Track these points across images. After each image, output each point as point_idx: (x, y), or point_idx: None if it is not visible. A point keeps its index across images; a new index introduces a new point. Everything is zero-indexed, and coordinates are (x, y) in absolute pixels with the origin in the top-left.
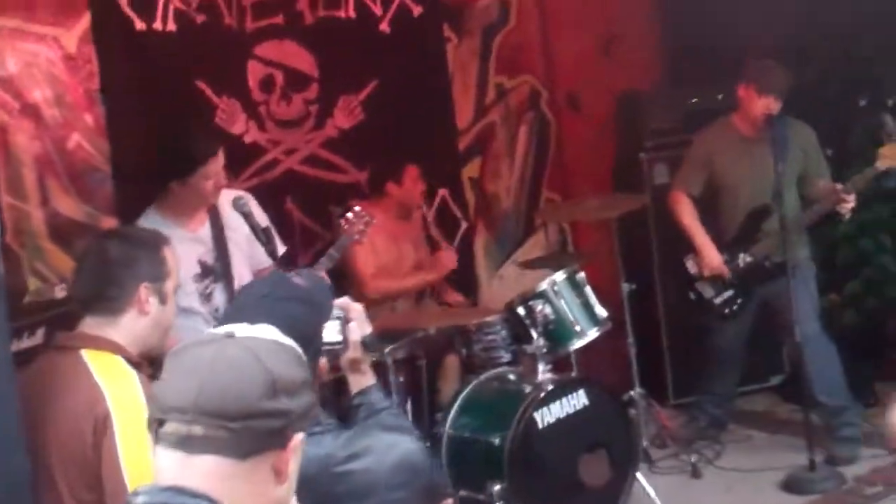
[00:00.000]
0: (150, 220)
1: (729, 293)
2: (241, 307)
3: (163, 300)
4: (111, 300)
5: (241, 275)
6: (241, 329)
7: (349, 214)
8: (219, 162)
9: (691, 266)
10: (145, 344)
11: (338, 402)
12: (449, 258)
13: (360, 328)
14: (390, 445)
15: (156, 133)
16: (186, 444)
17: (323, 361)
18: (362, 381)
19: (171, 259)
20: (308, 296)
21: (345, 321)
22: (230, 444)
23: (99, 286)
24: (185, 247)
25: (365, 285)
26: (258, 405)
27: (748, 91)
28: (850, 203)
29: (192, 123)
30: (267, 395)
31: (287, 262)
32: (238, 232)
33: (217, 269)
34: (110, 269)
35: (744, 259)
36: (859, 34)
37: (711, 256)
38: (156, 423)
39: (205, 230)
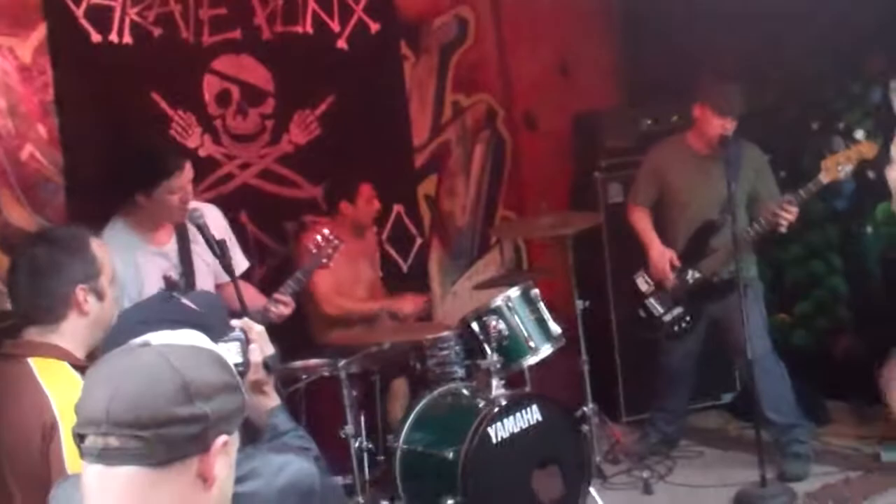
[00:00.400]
0: (117, 230)
1: (678, 310)
2: (117, 334)
3: (100, 297)
4: (49, 309)
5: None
6: (160, 336)
7: (318, 238)
8: (185, 176)
9: (641, 283)
10: (91, 343)
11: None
12: (415, 303)
13: (262, 349)
14: (280, 467)
15: (110, 145)
16: (104, 456)
17: None
18: (266, 402)
19: (100, 253)
20: (197, 319)
21: (245, 342)
22: (145, 454)
23: (34, 298)
24: (150, 261)
25: (324, 303)
26: (170, 411)
27: (704, 111)
28: (789, 215)
29: (155, 137)
30: (180, 401)
31: (247, 277)
32: (204, 247)
33: (181, 284)
34: (42, 280)
35: (692, 275)
36: (814, 57)
37: (658, 257)
38: (77, 438)
39: (171, 245)
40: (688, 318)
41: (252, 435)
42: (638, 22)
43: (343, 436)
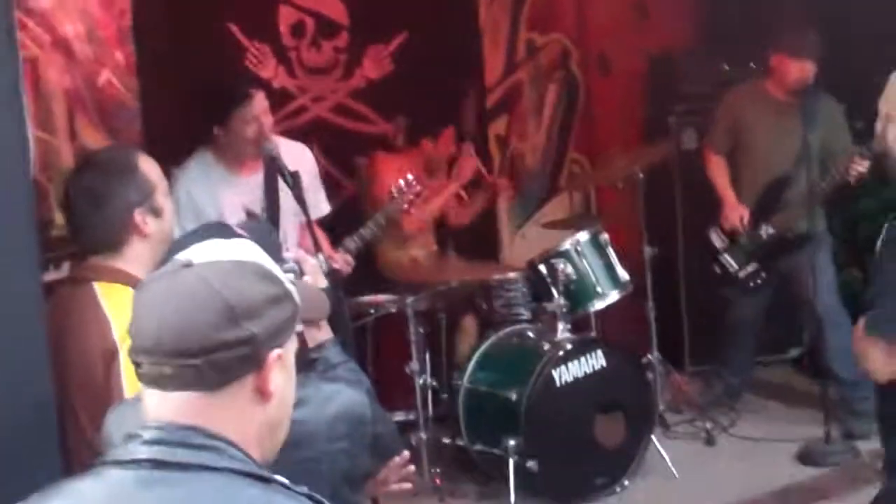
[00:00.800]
0: (201, 161)
1: (753, 266)
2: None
3: (158, 214)
4: (109, 238)
5: (287, 229)
6: (203, 251)
7: (401, 182)
8: (256, 106)
9: (715, 239)
10: (156, 261)
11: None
12: (469, 163)
13: (315, 282)
14: (330, 396)
15: (186, 73)
16: (160, 383)
17: None
18: (318, 335)
19: (150, 169)
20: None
21: (299, 275)
22: (199, 379)
23: (92, 228)
24: (231, 191)
25: (404, 222)
26: (217, 337)
27: (780, 58)
28: (861, 167)
29: (225, 66)
30: (226, 325)
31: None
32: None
33: (262, 219)
34: (98, 209)
35: (766, 231)
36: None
37: (732, 212)
38: (135, 364)
39: (256, 177)
40: (763, 274)
41: (304, 365)
42: None
43: (408, 372)
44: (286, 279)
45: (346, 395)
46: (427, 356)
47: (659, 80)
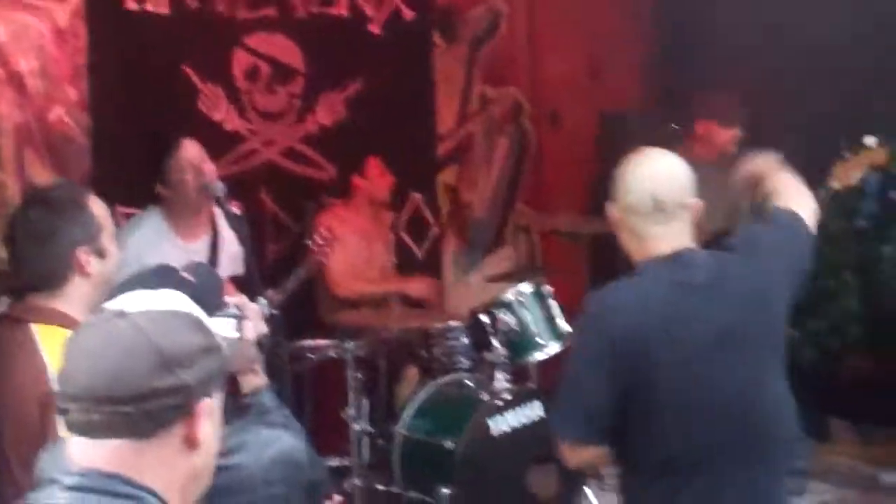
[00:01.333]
0: (151, 223)
1: None
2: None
3: (102, 256)
4: (51, 274)
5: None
6: (135, 301)
7: (316, 236)
8: (187, 152)
9: None
10: (97, 303)
11: (230, 401)
12: (426, 286)
13: (256, 327)
14: (268, 441)
15: (138, 112)
16: (87, 430)
17: None
18: (254, 381)
19: (97, 210)
20: (189, 288)
21: (240, 319)
22: (129, 427)
23: (35, 264)
24: (175, 256)
25: (336, 285)
26: (149, 385)
27: (708, 126)
28: None
29: (177, 107)
30: (159, 373)
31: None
32: (231, 247)
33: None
34: (41, 245)
35: None
36: (847, 71)
37: None
38: (61, 411)
39: (202, 244)
40: None
41: (238, 411)
42: (670, 25)
43: (345, 417)
44: (215, 330)
45: (285, 440)
46: (365, 402)
47: (609, 137)
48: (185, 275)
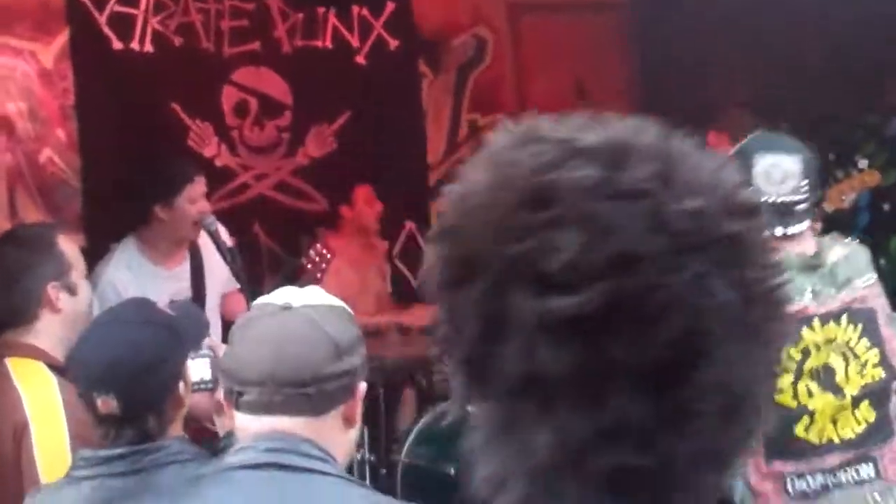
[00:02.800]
0: (125, 252)
1: None
2: (89, 334)
3: (73, 292)
4: (22, 310)
5: (211, 316)
6: (296, 296)
7: (311, 253)
8: (202, 185)
9: None
10: (69, 339)
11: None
12: (423, 316)
13: None
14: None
15: (127, 152)
16: (268, 408)
17: (182, 387)
18: (228, 423)
19: (69, 249)
20: (169, 322)
21: (215, 359)
22: (308, 406)
23: (5, 301)
24: (158, 284)
25: None
26: (327, 369)
27: (719, 137)
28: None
29: (167, 146)
30: (333, 359)
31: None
32: (218, 267)
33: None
34: (11, 281)
35: None
36: (831, 87)
37: None
38: (236, 395)
39: (182, 268)
40: None
41: (214, 454)
42: (655, 46)
43: None
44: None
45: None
46: (365, 431)
47: None
48: (161, 308)
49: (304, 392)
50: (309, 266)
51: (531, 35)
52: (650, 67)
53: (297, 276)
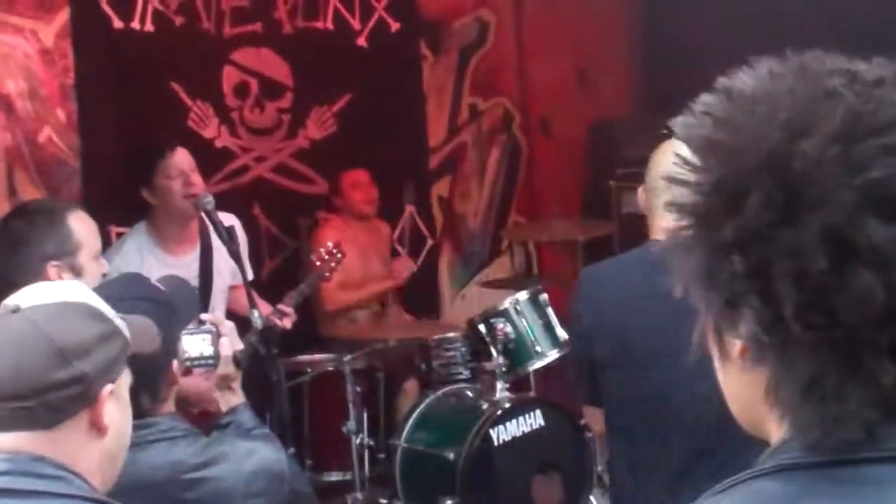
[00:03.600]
0: (136, 238)
1: None
2: None
3: (78, 273)
4: (16, 284)
5: (216, 307)
6: (30, 296)
7: (321, 250)
8: (178, 158)
9: None
10: None
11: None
12: (405, 265)
13: (232, 344)
14: (248, 452)
15: (127, 132)
16: None
17: (176, 364)
18: (232, 399)
19: (80, 227)
20: (160, 297)
21: (216, 335)
22: (33, 420)
23: (6, 272)
24: (163, 272)
25: (326, 300)
26: (48, 378)
27: None
28: None
29: (167, 126)
30: (56, 366)
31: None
32: (227, 259)
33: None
34: (13, 254)
35: None
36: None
37: None
38: None
39: (191, 257)
40: None
41: (217, 430)
42: (658, 31)
43: (345, 431)
44: (114, 314)
45: (263, 451)
46: (364, 415)
47: (600, 144)
48: (155, 283)
49: (23, 406)
50: (318, 263)
51: (534, 19)
52: (653, 57)
53: (306, 272)
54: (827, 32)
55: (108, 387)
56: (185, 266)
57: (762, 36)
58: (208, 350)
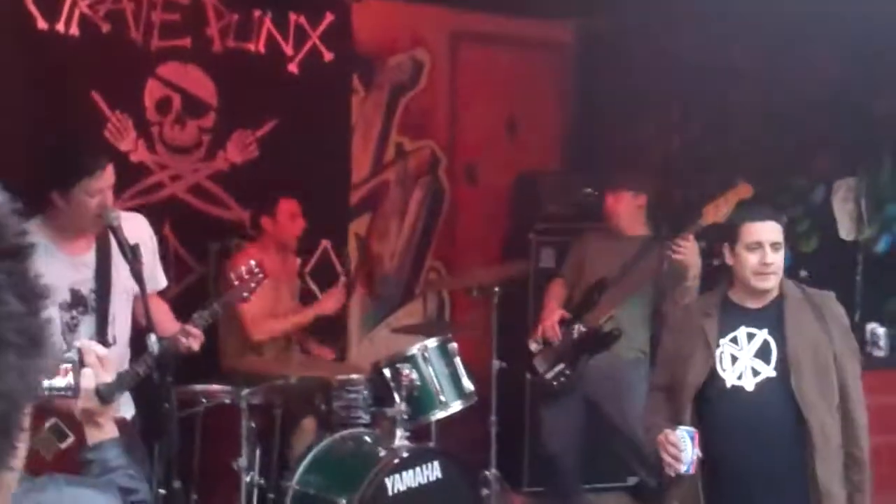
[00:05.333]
0: (31, 230)
1: (560, 366)
2: None
3: None
4: None
5: (117, 313)
6: None
7: (242, 269)
8: (105, 179)
9: (532, 345)
10: None
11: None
12: (337, 298)
13: (97, 376)
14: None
15: (39, 133)
16: None
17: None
18: (97, 434)
19: None
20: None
21: (79, 365)
22: None
23: None
24: (59, 270)
25: (252, 328)
26: None
27: (617, 197)
28: (678, 252)
29: (81, 133)
30: None
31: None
32: (124, 261)
33: (90, 300)
34: None
35: (578, 329)
36: (761, 148)
37: (546, 315)
38: None
39: (88, 256)
40: (567, 373)
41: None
42: (592, 92)
43: (235, 468)
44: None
45: (86, 500)
46: (258, 453)
47: (524, 196)
48: None
49: None
50: (237, 282)
51: (470, 64)
52: (583, 115)
53: (213, 298)
54: (755, 107)
55: None
56: (83, 265)
57: (696, 108)
58: (64, 382)
